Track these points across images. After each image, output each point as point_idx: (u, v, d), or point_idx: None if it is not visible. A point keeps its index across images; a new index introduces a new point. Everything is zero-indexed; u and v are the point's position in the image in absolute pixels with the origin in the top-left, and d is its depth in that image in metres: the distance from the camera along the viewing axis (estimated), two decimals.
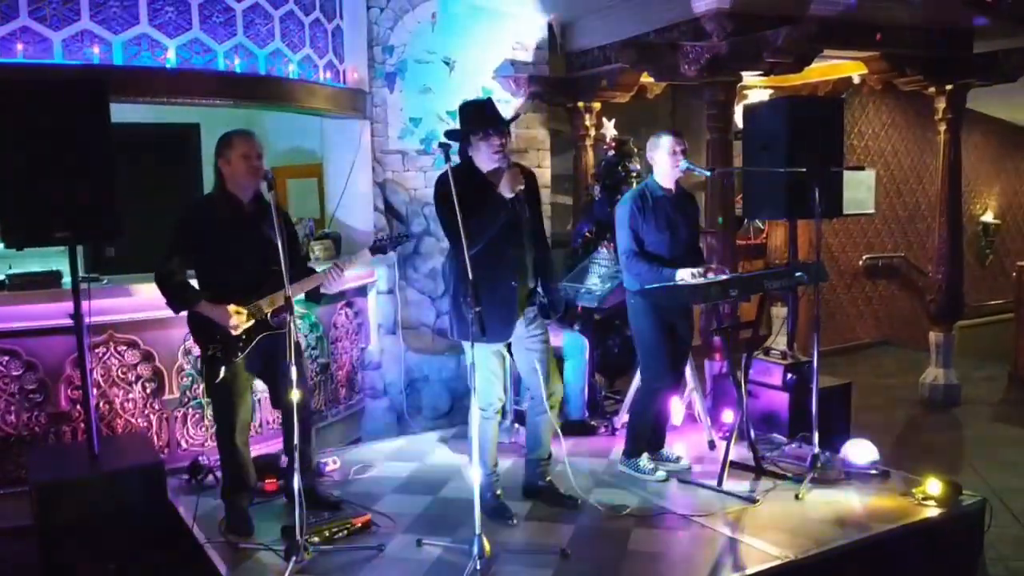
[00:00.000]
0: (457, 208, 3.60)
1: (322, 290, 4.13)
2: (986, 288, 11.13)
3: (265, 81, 5.45)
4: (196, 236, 3.99)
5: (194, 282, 4.05)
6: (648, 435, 4.91)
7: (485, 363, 4.10)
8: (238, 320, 3.92)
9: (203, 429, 5.16)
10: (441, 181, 3.87)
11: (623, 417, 5.58)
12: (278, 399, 4.21)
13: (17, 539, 4.32)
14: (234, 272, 3.97)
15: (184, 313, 4.06)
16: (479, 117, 4.02)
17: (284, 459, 4.69)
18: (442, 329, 6.72)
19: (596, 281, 5.73)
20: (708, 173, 5.08)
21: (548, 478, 4.48)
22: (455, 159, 3.90)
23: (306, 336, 5.68)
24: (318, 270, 4.22)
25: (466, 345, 3.96)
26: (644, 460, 4.84)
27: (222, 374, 3.96)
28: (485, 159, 4.02)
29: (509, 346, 4.27)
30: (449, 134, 4.15)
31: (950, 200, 7.33)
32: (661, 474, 4.78)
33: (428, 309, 6.88)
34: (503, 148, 4.00)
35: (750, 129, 5.74)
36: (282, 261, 3.68)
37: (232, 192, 4.03)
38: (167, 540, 4.22)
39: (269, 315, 3.97)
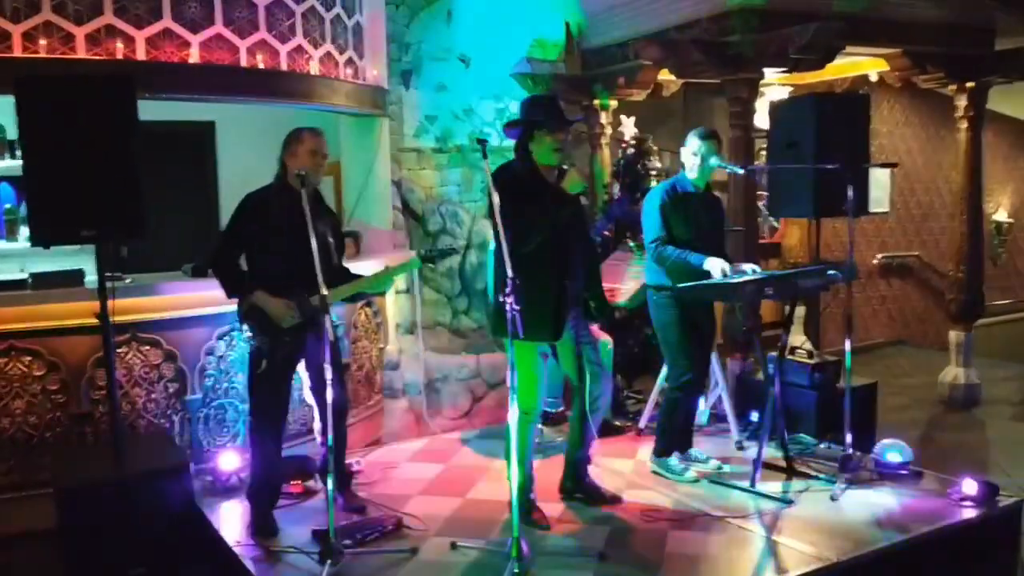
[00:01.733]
0: (508, 203, 3.66)
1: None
2: (998, 287, 11.07)
3: (288, 77, 5.38)
4: (251, 226, 4.02)
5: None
6: (678, 433, 4.86)
7: (530, 364, 4.05)
8: (291, 314, 3.94)
9: (226, 429, 5.10)
10: (496, 176, 3.88)
11: (647, 417, 5.53)
12: (316, 391, 4.17)
13: (40, 542, 4.24)
14: (285, 265, 3.95)
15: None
16: (548, 111, 4.04)
17: (313, 460, 4.65)
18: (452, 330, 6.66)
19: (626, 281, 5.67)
20: (740, 171, 5.02)
21: (588, 478, 4.45)
22: (491, 156, 3.85)
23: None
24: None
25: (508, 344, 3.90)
26: (674, 460, 4.79)
27: (263, 366, 3.98)
28: (546, 153, 4.03)
29: (554, 350, 4.21)
30: (512, 125, 4.16)
31: (970, 198, 7.29)
32: (691, 474, 4.73)
33: (445, 309, 6.84)
34: (564, 145, 4.05)
35: (775, 126, 5.69)
36: (316, 262, 3.63)
37: (292, 186, 3.98)
38: (195, 543, 4.15)
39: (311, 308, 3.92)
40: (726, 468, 4.85)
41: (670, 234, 4.62)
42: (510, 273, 3.49)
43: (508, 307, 3.47)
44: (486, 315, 6.65)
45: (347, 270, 4.28)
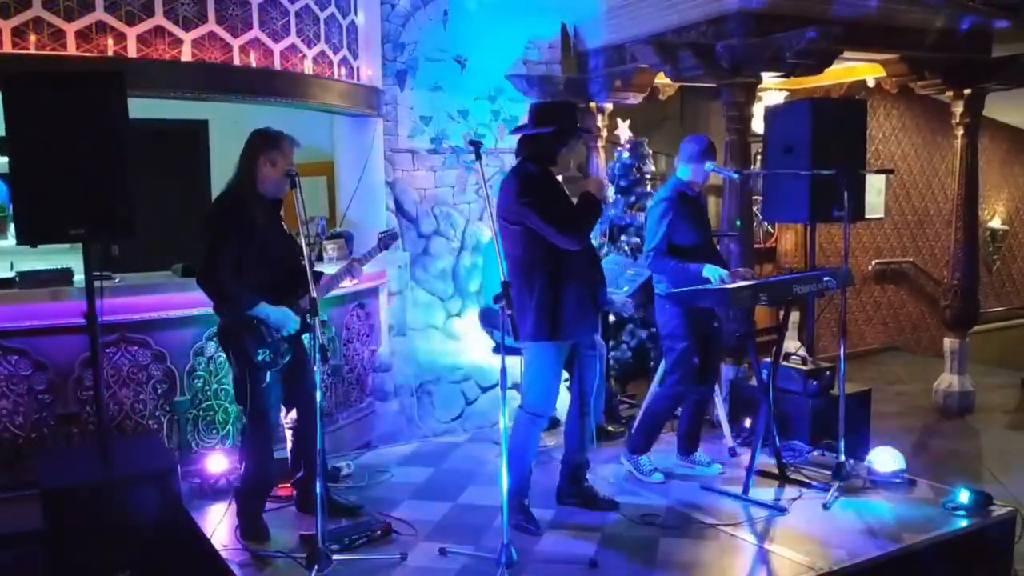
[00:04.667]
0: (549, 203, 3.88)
1: (340, 284, 4.06)
2: (993, 295, 11.08)
3: (281, 76, 5.33)
4: (235, 235, 3.82)
5: None
6: (657, 436, 4.89)
7: (555, 367, 4.06)
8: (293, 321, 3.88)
9: (214, 431, 5.05)
10: (534, 178, 4.00)
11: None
12: (292, 400, 4.10)
13: (26, 544, 4.20)
14: (267, 272, 3.89)
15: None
16: (574, 120, 4.15)
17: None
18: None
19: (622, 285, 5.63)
20: (736, 175, 4.99)
21: (586, 483, 4.42)
22: (485, 158, 3.84)
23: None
24: (329, 270, 4.25)
25: (534, 345, 3.99)
26: (645, 459, 4.83)
27: (268, 379, 3.85)
28: (571, 160, 4.15)
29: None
30: (560, 131, 4.07)
31: (966, 205, 7.25)
32: (658, 476, 4.77)
33: (438, 310, 6.79)
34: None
35: (772, 131, 5.66)
36: (306, 261, 3.59)
37: (261, 192, 3.93)
38: (181, 546, 4.11)
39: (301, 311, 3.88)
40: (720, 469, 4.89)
41: (668, 244, 4.61)
42: (504, 277, 3.49)
43: (502, 312, 3.45)
44: (481, 317, 6.59)
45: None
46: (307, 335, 3.96)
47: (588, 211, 4.01)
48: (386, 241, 4.34)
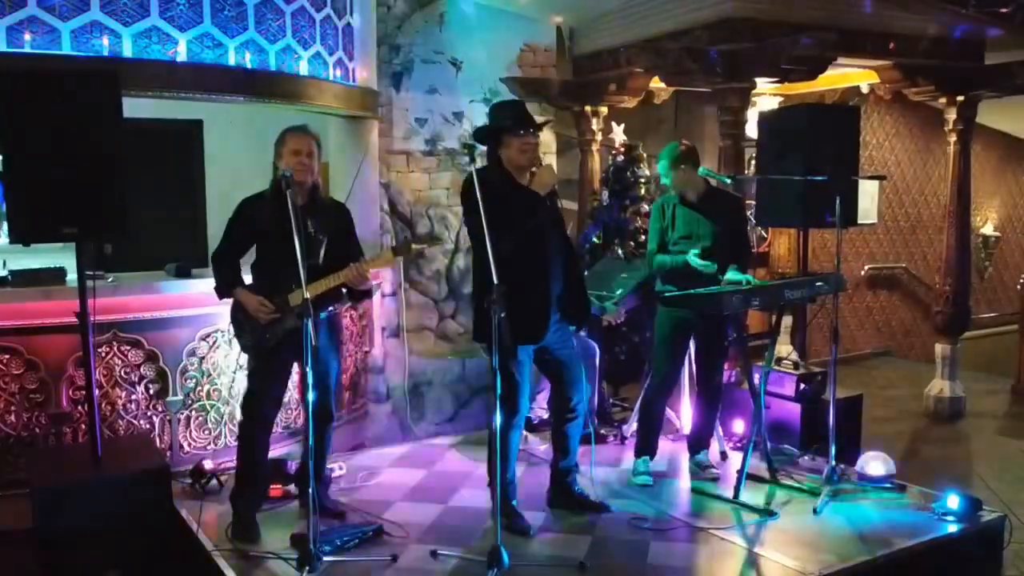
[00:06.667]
0: (482, 208, 3.62)
1: (358, 288, 4.04)
2: (985, 301, 11.13)
3: (276, 77, 5.33)
4: (245, 228, 4.05)
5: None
6: (651, 437, 4.90)
7: (516, 369, 4.01)
8: (265, 311, 3.94)
9: (206, 432, 5.05)
10: (468, 181, 3.85)
11: (632, 425, 5.51)
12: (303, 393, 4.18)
13: (16, 543, 4.19)
14: (281, 266, 3.88)
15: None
16: (515, 116, 4.04)
17: (292, 464, 4.60)
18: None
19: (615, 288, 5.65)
20: (728, 180, 5.01)
21: (578, 487, 4.42)
22: (480, 161, 3.83)
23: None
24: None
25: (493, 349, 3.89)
26: (641, 461, 4.87)
27: (250, 364, 4.06)
28: (516, 156, 4.00)
29: (535, 354, 4.17)
30: (479, 132, 4.20)
31: (959, 212, 7.28)
32: (642, 479, 4.78)
33: (431, 312, 6.79)
34: (534, 148, 4.03)
35: (765, 136, 5.68)
36: (299, 262, 3.60)
37: (282, 190, 3.90)
38: (172, 546, 4.11)
39: (296, 309, 3.86)
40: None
41: (662, 245, 4.72)
42: (495, 279, 3.47)
43: (492, 313, 3.45)
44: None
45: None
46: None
47: (510, 213, 3.82)
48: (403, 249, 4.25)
